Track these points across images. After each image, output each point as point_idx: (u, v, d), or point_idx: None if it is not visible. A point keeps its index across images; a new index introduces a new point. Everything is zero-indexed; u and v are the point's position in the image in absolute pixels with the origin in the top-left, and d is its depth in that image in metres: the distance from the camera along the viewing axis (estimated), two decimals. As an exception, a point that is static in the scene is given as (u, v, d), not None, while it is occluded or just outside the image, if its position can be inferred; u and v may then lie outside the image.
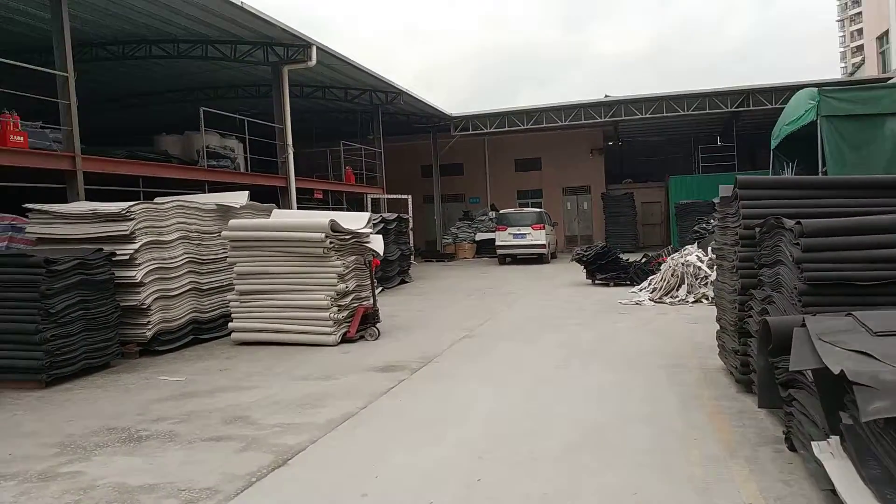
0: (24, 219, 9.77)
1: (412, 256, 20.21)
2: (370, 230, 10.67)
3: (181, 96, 21.68)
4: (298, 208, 16.83)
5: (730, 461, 4.79)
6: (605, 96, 26.10)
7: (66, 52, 10.79)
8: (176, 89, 21.23)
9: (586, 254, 16.14)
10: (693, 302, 12.85)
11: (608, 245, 16.69)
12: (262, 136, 17.34)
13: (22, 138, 9.87)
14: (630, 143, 32.48)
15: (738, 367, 6.48)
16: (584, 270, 16.34)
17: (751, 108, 23.84)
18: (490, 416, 6.09)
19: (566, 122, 26.19)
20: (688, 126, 29.51)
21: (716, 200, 7.99)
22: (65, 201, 10.37)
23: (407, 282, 18.29)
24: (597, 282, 16.03)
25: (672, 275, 13.62)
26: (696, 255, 13.90)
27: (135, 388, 7.58)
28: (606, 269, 15.97)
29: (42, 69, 10.79)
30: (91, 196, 10.84)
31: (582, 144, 30.28)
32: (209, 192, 13.39)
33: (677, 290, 13.42)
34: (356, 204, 22.63)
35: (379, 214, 16.72)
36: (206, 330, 10.35)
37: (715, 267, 8.98)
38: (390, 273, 17.02)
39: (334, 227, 9.64)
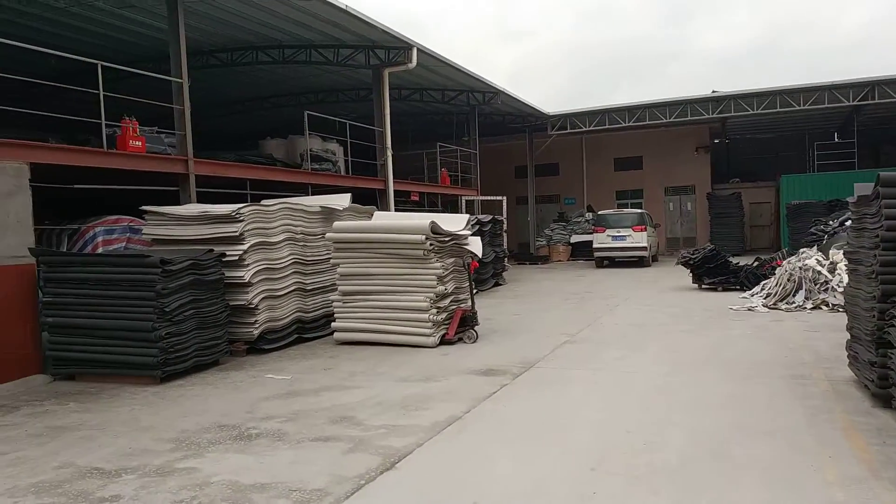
0: (140, 220, 10.26)
1: (506, 259, 19.98)
2: (469, 232, 10.54)
3: (283, 101, 22.38)
4: (395, 210, 16.99)
5: (873, 482, 4.33)
6: (713, 91, 24.93)
7: (182, 59, 11.29)
8: (279, 94, 21.94)
9: (693, 257, 15.40)
10: (812, 308, 11.98)
11: (717, 248, 15.84)
12: (360, 139, 17.61)
13: (140, 143, 10.40)
14: (737, 141, 30.91)
15: (875, 380, 5.94)
16: (691, 274, 15.60)
17: (876, 100, 22.10)
18: (599, 425, 5.81)
19: (671, 119, 25.21)
20: (801, 122, 27.76)
21: (850, 199, 7.32)
22: (177, 203, 10.84)
23: (501, 284, 18.08)
24: (704, 286, 15.27)
25: (788, 279, 12.75)
26: (816, 259, 12.96)
27: (243, 386, 7.77)
28: (715, 272, 15.18)
29: (159, 76, 11.34)
30: (201, 198, 11.29)
31: (686, 142, 29.08)
32: (312, 194, 13.69)
33: (794, 296, 12.55)
34: (450, 206, 22.64)
35: (475, 216, 16.60)
36: (310, 329, 10.55)
37: (845, 272, 8.28)
38: (484, 275, 16.87)
39: (434, 229, 9.58)
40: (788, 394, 6.59)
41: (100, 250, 9.58)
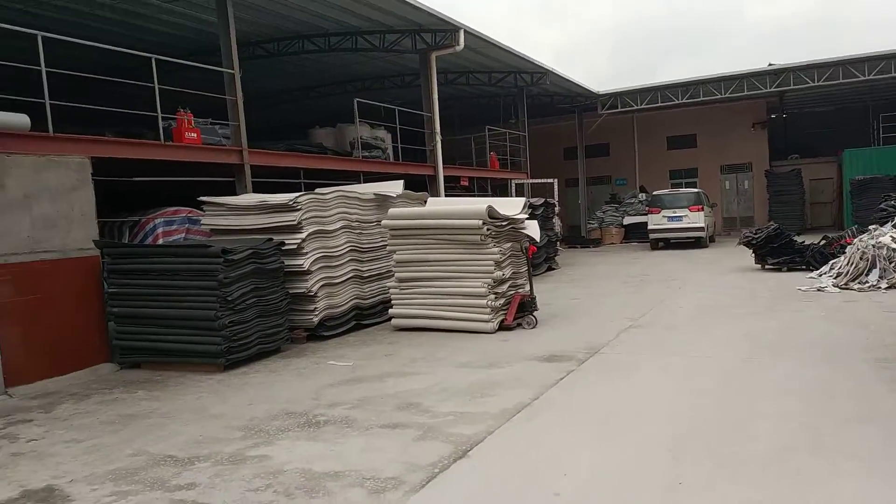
0: (198, 211, 10.36)
1: (559, 243, 19.66)
2: (526, 216, 10.33)
3: (329, 90, 22.39)
4: (445, 196, 16.83)
5: None
6: (770, 65, 23.97)
7: (233, 50, 11.33)
8: (325, 84, 21.94)
9: (756, 236, 14.84)
10: (887, 288, 11.40)
11: (780, 226, 15.22)
12: (407, 125, 17.49)
13: (195, 135, 10.48)
14: (795, 115, 29.71)
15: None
16: (753, 254, 15.04)
17: (946, 67, 20.93)
18: (676, 412, 5.58)
19: (726, 95, 24.35)
20: (864, 93, 26.48)
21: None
22: (233, 194, 10.90)
23: (554, 269, 17.80)
24: (767, 267, 14.71)
25: (861, 258, 12.16)
26: (891, 236, 12.32)
27: (307, 373, 7.77)
28: (779, 252, 14.60)
29: (211, 67, 11.40)
30: (255, 188, 11.34)
31: (742, 118, 28.10)
32: (363, 182, 13.65)
33: (867, 275, 11.97)
34: (500, 190, 22.38)
35: (526, 200, 16.31)
36: (367, 316, 10.53)
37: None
38: (537, 260, 16.57)
39: (491, 214, 9.40)
40: (875, 378, 6.24)
41: (160, 241, 9.70)
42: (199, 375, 7.93)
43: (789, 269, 14.29)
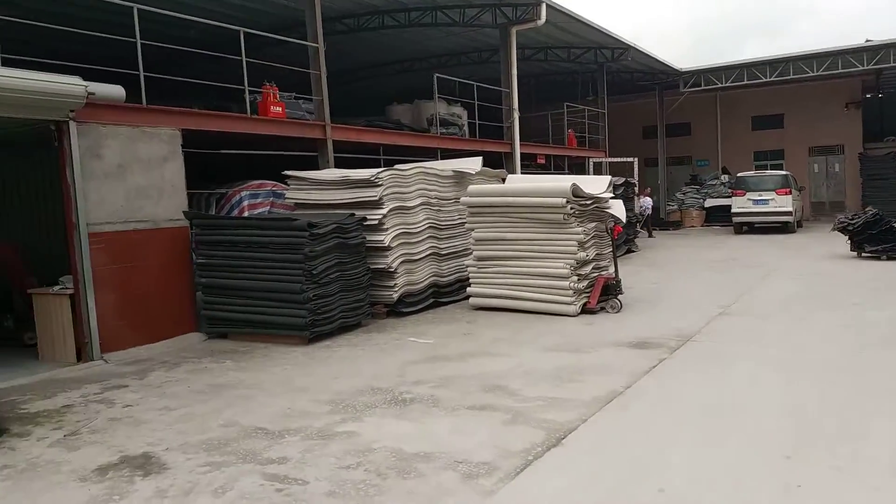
0: (282, 185, 10.45)
1: (638, 224, 19.08)
2: (611, 195, 9.98)
3: (406, 66, 22.27)
4: (522, 174, 16.52)
5: None
6: (867, 41, 22.42)
7: (317, 24, 11.32)
8: (401, 59, 21.82)
9: (853, 222, 13.97)
10: None
11: (880, 212, 14.27)
12: (483, 101, 17.19)
13: (280, 108, 10.54)
14: (892, 95, 27.80)
15: None
16: (849, 241, 14.17)
17: None
18: (781, 408, 5.24)
19: (818, 73, 22.95)
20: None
21: None
22: (315, 168, 10.94)
23: (633, 251, 17.29)
24: (865, 255, 13.84)
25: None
26: None
27: (388, 349, 7.74)
28: (878, 239, 13.70)
29: (297, 41, 11.42)
30: (335, 163, 11.36)
31: (834, 98, 26.47)
32: (440, 158, 13.51)
33: (981, 267, 11.09)
34: (576, 168, 21.85)
35: (611, 178, 15.82)
36: (445, 294, 10.45)
37: None
38: (616, 241, 16.11)
39: (575, 192, 9.11)
40: None
41: (245, 214, 9.84)
42: (283, 347, 8.02)
43: (889, 258, 13.41)
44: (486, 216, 9.78)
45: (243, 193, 10.01)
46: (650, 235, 21.36)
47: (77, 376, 7.23)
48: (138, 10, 8.66)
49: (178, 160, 8.80)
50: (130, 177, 8.24)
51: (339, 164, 11.40)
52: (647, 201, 21.86)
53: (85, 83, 7.39)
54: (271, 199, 10.36)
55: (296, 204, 10.07)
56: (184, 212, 8.80)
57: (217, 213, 9.95)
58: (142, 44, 8.60)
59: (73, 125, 7.62)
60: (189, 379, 6.87)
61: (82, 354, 7.79)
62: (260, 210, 10.07)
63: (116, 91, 8.20)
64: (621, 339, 7.64)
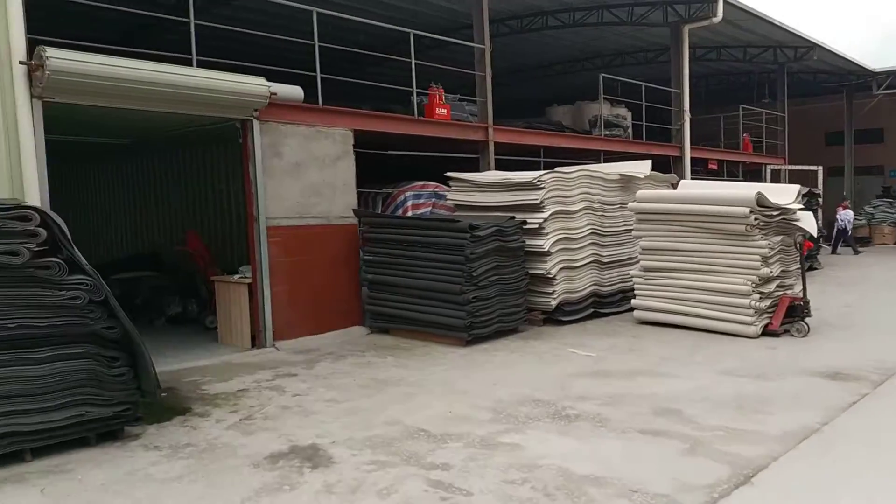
0: (443, 186, 10.50)
1: (821, 239, 17.32)
2: (799, 206, 9.02)
3: (567, 67, 21.81)
4: (691, 179, 15.54)
5: None
6: None
7: (484, 26, 11.28)
8: (562, 61, 21.40)
9: None
10: None
11: None
12: (648, 102, 16.39)
13: (445, 111, 10.60)
14: None
15: None
16: None
17: None
18: None
19: None
20: None
21: None
22: (474, 170, 10.89)
23: (816, 268, 15.65)
24: None
25: None
26: None
27: (548, 359, 7.47)
28: None
29: (465, 43, 11.44)
30: (495, 165, 11.25)
31: None
32: (603, 161, 13.00)
33: None
34: (751, 176, 20.27)
35: (800, 188, 14.46)
36: (605, 304, 9.99)
37: None
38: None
39: (761, 202, 8.30)
40: None
41: (409, 213, 9.98)
42: (442, 347, 8.01)
43: None
44: (656, 224, 9.21)
45: (408, 194, 10.17)
46: (855, 252, 19.41)
47: (251, 361, 7.64)
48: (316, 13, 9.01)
49: (350, 159, 9.07)
50: (306, 174, 8.59)
51: (498, 165, 11.28)
52: (847, 214, 19.83)
53: (268, 83, 7.79)
54: (433, 199, 10.45)
55: (455, 205, 10.07)
56: (353, 210, 9.06)
57: (383, 212, 10.18)
58: (319, 46, 8.90)
59: (256, 124, 8.07)
60: (354, 372, 7.01)
61: (256, 341, 8.23)
62: (422, 210, 10.18)
63: (296, 92, 8.60)
64: (811, 368, 6.83)
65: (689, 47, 17.50)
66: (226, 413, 5.73)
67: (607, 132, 15.10)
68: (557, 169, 9.90)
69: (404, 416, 5.50)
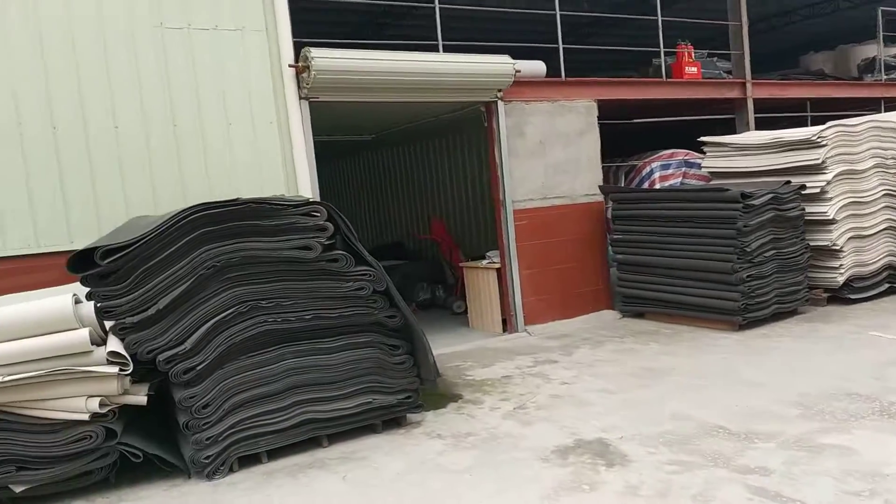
0: (695, 153, 9.59)
1: None
2: None
3: (817, 10, 19.12)
4: None
5: None
6: None
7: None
8: (811, 3, 18.79)
9: None
10: None
11: None
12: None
13: (695, 69, 9.61)
14: None
15: None
16: None
17: None
18: None
19: None
20: None
21: None
22: (729, 132, 9.78)
23: None
24: None
25: None
26: None
27: (847, 344, 6.39)
28: None
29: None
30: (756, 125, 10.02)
31: None
32: (885, 110, 11.06)
33: None
34: None
35: None
36: (904, 278, 8.44)
37: None
38: None
39: None
40: None
41: (657, 186, 9.25)
42: (711, 332, 7.25)
43: None
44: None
45: (654, 165, 9.43)
46: None
47: (505, 346, 7.52)
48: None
49: (594, 133, 8.58)
50: (550, 152, 8.26)
51: (760, 125, 10.04)
52: None
53: (513, 61, 7.56)
54: (683, 169, 9.59)
55: (712, 173, 9.11)
56: (600, 186, 8.58)
57: (627, 186, 9.55)
58: (560, 15, 8.47)
59: (500, 105, 7.88)
60: (618, 360, 6.56)
61: (507, 325, 8.12)
62: (672, 182, 9.38)
63: (538, 67, 8.28)
64: None
65: None
66: (497, 401, 5.60)
67: (887, 76, 12.84)
68: (840, 121, 8.52)
69: (692, 410, 4.94)
